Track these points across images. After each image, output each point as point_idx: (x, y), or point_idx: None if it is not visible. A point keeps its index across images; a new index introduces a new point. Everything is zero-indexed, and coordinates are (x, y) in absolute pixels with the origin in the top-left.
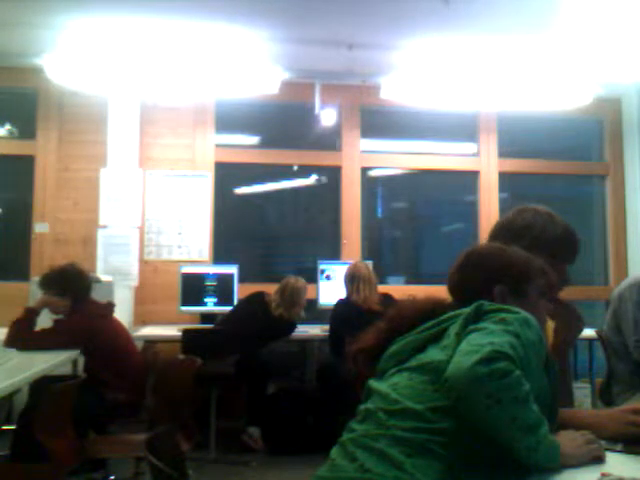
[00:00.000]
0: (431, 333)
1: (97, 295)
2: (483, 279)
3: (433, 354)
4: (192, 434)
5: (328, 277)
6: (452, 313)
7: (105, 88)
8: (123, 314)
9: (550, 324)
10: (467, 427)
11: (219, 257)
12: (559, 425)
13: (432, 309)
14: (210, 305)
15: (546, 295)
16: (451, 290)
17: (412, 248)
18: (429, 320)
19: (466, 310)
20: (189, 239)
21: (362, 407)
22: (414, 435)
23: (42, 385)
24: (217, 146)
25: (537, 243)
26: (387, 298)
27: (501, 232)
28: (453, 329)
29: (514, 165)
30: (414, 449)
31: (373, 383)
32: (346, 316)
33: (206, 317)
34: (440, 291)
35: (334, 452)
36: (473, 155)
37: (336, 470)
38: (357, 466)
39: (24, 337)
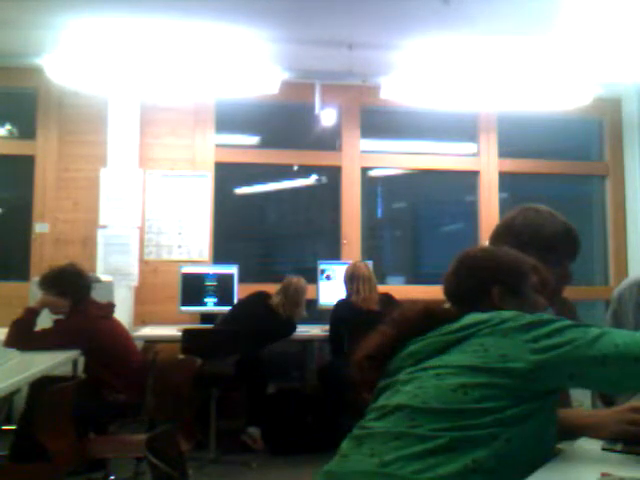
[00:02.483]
0: (456, 337)
1: (97, 295)
2: (480, 282)
3: (460, 358)
4: (192, 434)
5: (328, 277)
6: (475, 319)
7: (105, 88)
8: (123, 314)
9: None
10: (492, 427)
11: (219, 257)
12: (559, 425)
13: (436, 313)
14: (210, 305)
15: (541, 292)
16: (448, 294)
17: (412, 248)
18: (436, 324)
19: (499, 320)
20: (189, 239)
21: (378, 404)
22: (437, 434)
23: (42, 386)
24: (217, 146)
25: (537, 240)
26: (387, 298)
27: (503, 231)
28: (491, 343)
29: (514, 165)
30: (437, 447)
31: (389, 382)
32: (346, 316)
33: (206, 317)
34: (441, 291)
35: (347, 447)
36: (473, 155)
37: (352, 465)
38: (377, 461)
39: (24, 337)
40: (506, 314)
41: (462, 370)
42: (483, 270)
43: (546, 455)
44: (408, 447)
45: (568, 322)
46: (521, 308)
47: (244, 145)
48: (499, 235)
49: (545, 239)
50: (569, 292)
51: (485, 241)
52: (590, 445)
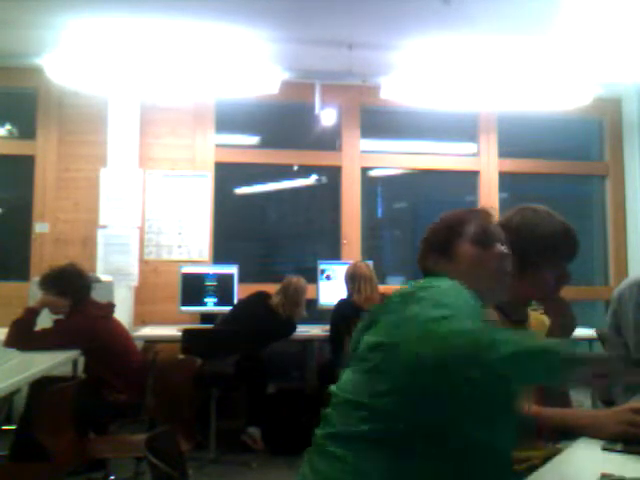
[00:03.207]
0: (365, 324)
1: (97, 295)
2: (422, 254)
3: (366, 341)
4: (192, 434)
5: (328, 277)
6: (396, 293)
7: (105, 88)
8: (123, 314)
9: (545, 321)
10: (405, 411)
11: (219, 257)
12: (559, 426)
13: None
14: (210, 305)
15: (490, 242)
16: None
17: (412, 248)
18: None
19: (408, 292)
20: (189, 239)
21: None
22: (355, 428)
23: (42, 386)
24: (217, 146)
25: (535, 240)
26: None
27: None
28: (387, 321)
29: (514, 165)
30: (357, 441)
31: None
32: (347, 315)
33: (206, 317)
34: None
35: (305, 457)
36: (473, 155)
37: (301, 476)
38: (311, 469)
39: (24, 337)
40: (421, 283)
41: (363, 355)
42: (422, 241)
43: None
44: (330, 448)
45: (468, 308)
46: (468, 269)
47: (244, 145)
48: None
49: (543, 239)
50: (569, 292)
51: None
52: (590, 445)
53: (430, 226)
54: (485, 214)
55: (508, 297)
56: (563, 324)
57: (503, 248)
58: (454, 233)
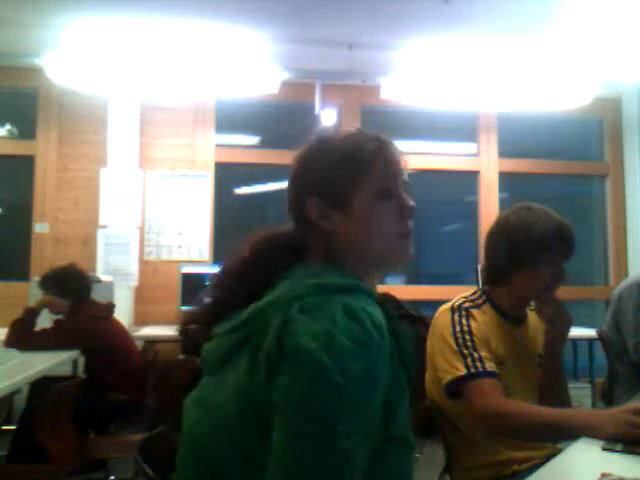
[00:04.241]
0: (238, 337)
1: (97, 295)
2: (295, 192)
3: (229, 380)
4: None
5: None
6: (263, 303)
7: (105, 88)
8: (123, 314)
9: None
10: None
11: (219, 257)
12: (559, 425)
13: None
14: None
15: (394, 192)
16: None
17: (412, 248)
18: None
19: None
20: (189, 239)
21: None
22: None
23: (42, 386)
24: (217, 146)
25: (530, 239)
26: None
27: (497, 230)
28: (261, 357)
29: (514, 165)
30: None
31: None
32: None
33: None
34: (441, 291)
35: None
36: (473, 155)
37: None
38: None
39: (24, 337)
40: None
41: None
42: (297, 174)
43: None
44: None
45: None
46: (366, 227)
47: (244, 145)
48: (493, 234)
49: (538, 237)
50: (570, 292)
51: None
52: (590, 445)
53: (313, 152)
54: (389, 149)
55: (508, 298)
56: (557, 326)
57: (408, 199)
58: (355, 180)
